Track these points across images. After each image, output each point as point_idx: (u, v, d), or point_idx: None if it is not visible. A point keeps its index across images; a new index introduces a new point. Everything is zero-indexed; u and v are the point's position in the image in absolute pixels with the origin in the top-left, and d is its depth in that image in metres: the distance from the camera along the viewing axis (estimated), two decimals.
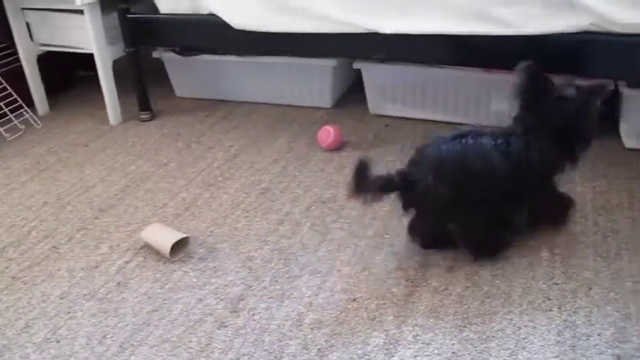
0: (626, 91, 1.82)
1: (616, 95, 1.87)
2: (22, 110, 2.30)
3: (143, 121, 2.29)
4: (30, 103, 2.36)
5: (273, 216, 1.65)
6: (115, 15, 2.14)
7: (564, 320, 1.23)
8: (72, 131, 2.24)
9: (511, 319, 1.25)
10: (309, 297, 1.34)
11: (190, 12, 2.05)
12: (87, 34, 2.12)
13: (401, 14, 1.76)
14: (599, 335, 1.19)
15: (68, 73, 2.68)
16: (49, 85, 2.43)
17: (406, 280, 1.37)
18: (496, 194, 1.37)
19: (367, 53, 1.96)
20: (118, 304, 1.35)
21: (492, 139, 1.38)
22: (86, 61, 2.25)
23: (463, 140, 1.36)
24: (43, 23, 2.24)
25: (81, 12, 2.07)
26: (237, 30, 1.95)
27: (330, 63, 2.16)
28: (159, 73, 2.46)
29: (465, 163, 1.35)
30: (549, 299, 1.30)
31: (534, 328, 1.22)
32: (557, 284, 1.34)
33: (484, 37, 1.69)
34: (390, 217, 1.60)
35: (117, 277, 1.44)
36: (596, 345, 1.17)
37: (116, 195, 1.80)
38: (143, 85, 2.27)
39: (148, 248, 1.54)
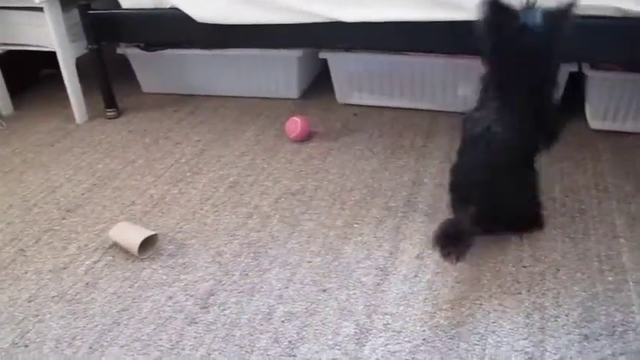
0: (590, 73, 1.84)
1: (581, 77, 1.89)
2: None
3: (109, 118, 2.26)
4: None
5: (242, 209, 1.64)
6: (76, 12, 2.10)
7: (533, 302, 1.25)
8: (37, 131, 2.20)
9: (481, 304, 1.26)
10: (279, 290, 1.34)
11: (153, 6, 2.02)
12: (48, 32, 2.07)
13: (362, 3, 1.75)
14: (566, 316, 1.21)
15: (31, 72, 2.63)
16: (12, 85, 2.38)
17: (376, 269, 1.37)
18: None
19: (331, 43, 1.95)
20: (87, 305, 1.34)
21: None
22: (49, 58, 2.20)
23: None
24: (2, 22, 2.18)
25: (40, 9, 2.03)
26: (201, 23, 1.93)
27: (295, 53, 2.16)
28: (124, 69, 2.43)
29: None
30: (518, 282, 1.31)
31: (504, 311, 1.24)
32: (525, 267, 1.36)
33: (445, 23, 1.70)
34: (358, 206, 1.61)
35: (85, 278, 1.42)
36: (564, 325, 1.19)
37: (83, 194, 1.77)
38: (108, 82, 2.23)
39: (116, 247, 1.52)
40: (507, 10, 1.31)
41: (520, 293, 1.28)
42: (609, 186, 1.63)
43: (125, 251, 1.50)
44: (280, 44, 2.05)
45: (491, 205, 1.38)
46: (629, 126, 1.88)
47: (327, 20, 1.80)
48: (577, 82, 1.91)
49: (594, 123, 1.91)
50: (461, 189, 1.45)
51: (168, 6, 1.99)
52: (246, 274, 1.39)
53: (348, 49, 2.04)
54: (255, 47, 2.13)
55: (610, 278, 1.31)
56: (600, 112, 1.89)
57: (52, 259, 1.50)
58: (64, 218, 1.67)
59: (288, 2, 1.81)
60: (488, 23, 1.33)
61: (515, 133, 1.36)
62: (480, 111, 1.44)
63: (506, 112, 1.37)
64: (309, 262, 1.42)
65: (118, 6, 2.09)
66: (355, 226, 1.54)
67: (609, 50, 1.65)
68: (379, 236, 1.49)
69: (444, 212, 1.54)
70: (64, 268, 1.46)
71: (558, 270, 1.34)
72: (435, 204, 1.59)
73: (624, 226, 1.47)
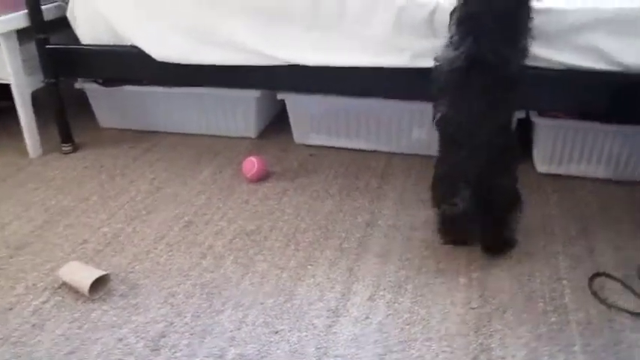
0: (537, 119, 1.92)
1: (528, 124, 1.97)
2: None
3: (65, 153, 2.23)
4: None
5: (196, 249, 1.63)
6: (33, 44, 2.08)
7: (480, 344, 1.28)
8: None
9: (430, 346, 1.28)
10: (231, 332, 1.33)
11: (113, 43, 2.03)
12: (3, 64, 2.05)
13: (321, 48, 1.81)
14: (512, 357, 1.24)
15: None
16: None
17: (327, 311, 1.38)
18: None
19: (289, 85, 1.99)
20: (33, 348, 1.30)
21: None
22: (3, 90, 2.17)
23: None
24: None
25: None
26: (160, 61, 1.95)
27: (254, 94, 2.18)
28: (81, 104, 2.41)
29: None
30: (466, 324, 1.34)
31: (452, 352, 1.26)
32: (473, 308, 1.39)
33: (399, 69, 1.76)
34: (312, 247, 1.62)
35: (32, 319, 1.38)
36: None
37: (34, 232, 1.74)
38: (65, 116, 2.21)
39: (66, 287, 1.49)
40: None
41: (468, 335, 1.31)
42: (555, 228, 1.68)
43: (75, 291, 1.47)
44: (239, 85, 2.07)
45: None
46: (573, 170, 1.96)
47: (286, 63, 1.85)
48: (525, 129, 1.99)
49: (541, 167, 1.98)
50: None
51: (128, 43, 2.00)
52: (199, 316, 1.38)
53: (306, 91, 2.08)
54: (215, 86, 2.15)
55: (553, 319, 1.35)
56: (547, 156, 1.97)
57: None
58: (11, 257, 1.63)
59: (247, 44, 1.86)
60: None
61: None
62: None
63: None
64: (262, 303, 1.42)
65: (78, 41, 2.09)
66: (309, 267, 1.55)
67: (555, 99, 1.73)
68: (332, 278, 1.50)
69: (397, 254, 1.58)
70: (10, 309, 1.42)
71: (505, 311, 1.37)
72: (388, 245, 1.62)
73: (568, 268, 1.52)
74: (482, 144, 1.42)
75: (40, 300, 1.45)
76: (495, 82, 1.40)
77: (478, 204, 1.44)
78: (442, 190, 1.51)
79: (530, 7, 1.43)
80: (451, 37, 1.44)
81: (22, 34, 2.07)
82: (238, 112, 2.25)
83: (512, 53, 1.41)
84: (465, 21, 1.41)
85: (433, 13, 1.68)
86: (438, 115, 1.47)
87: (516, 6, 1.41)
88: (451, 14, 1.46)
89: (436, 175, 1.54)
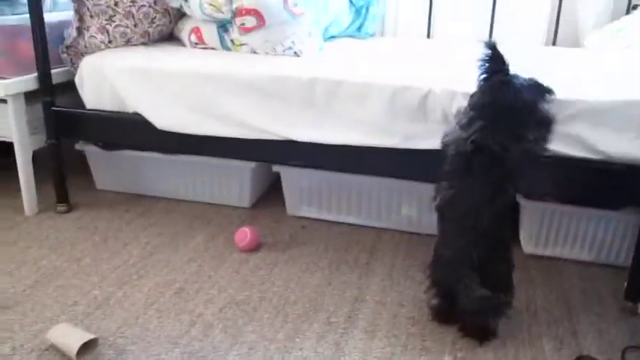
0: (524, 202, 1.98)
1: (515, 206, 2.03)
2: None
3: (60, 212, 2.25)
4: None
5: (185, 317, 1.64)
6: (39, 105, 2.15)
7: None
8: None
9: None
10: None
11: (116, 109, 2.10)
12: (8, 123, 2.11)
13: (314, 125, 1.89)
14: None
15: None
16: None
17: None
18: None
19: (284, 159, 2.05)
20: None
21: None
22: (2, 147, 2.21)
23: None
24: None
25: (3, 101, 2.07)
26: (161, 130, 2.02)
27: (249, 165, 2.23)
28: (80, 164, 2.46)
29: None
30: None
31: None
32: None
33: (389, 148, 1.84)
34: (301, 320, 1.64)
35: None
36: None
37: (24, 291, 1.74)
38: (63, 176, 2.25)
39: (53, 349, 1.49)
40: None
41: None
42: (539, 310, 1.71)
43: (63, 354, 1.47)
44: (235, 156, 2.13)
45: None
46: (558, 252, 2.00)
47: (281, 138, 1.92)
48: (512, 210, 2.04)
49: (527, 248, 2.03)
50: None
51: (131, 111, 2.07)
52: None
53: (299, 166, 2.14)
54: (211, 156, 2.20)
55: None
56: (533, 238, 2.01)
57: None
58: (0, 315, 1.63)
59: (245, 119, 1.93)
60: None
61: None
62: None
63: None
64: None
65: (82, 104, 2.16)
66: (297, 340, 1.56)
67: (541, 184, 1.80)
68: (319, 352, 1.51)
69: (384, 330, 1.60)
70: None
71: None
72: (375, 321, 1.64)
73: (552, 350, 1.54)
74: (486, 229, 1.46)
75: None
76: (497, 170, 1.45)
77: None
78: (446, 273, 1.54)
79: (536, 102, 1.49)
80: (460, 121, 1.51)
81: (28, 95, 2.13)
82: (233, 182, 2.30)
83: (513, 143, 1.45)
84: (475, 108, 1.48)
85: (425, 97, 1.77)
86: (440, 198, 1.53)
87: (519, 101, 1.46)
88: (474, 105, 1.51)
89: (439, 258, 1.56)
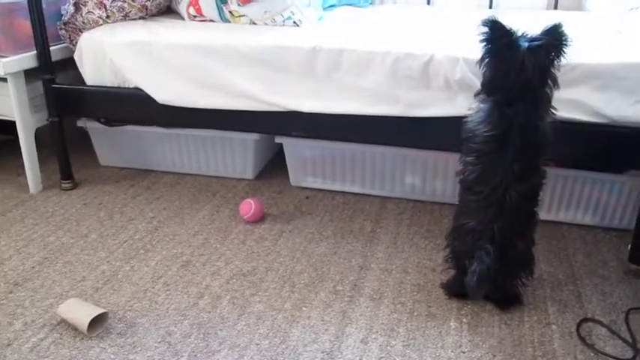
0: None
1: None
2: None
3: (65, 189, 2.27)
4: None
5: (193, 289, 1.66)
6: (40, 83, 2.14)
7: None
8: None
9: None
10: None
11: (117, 85, 2.10)
12: (10, 102, 2.10)
13: (316, 95, 1.88)
14: None
15: None
16: None
17: (322, 353, 1.41)
18: None
19: (287, 130, 2.04)
20: None
21: None
22: (5, 124, 2.23)
23: None
24: None
25: (4, 80, 2.07)
26: (162, 104, 2.02)
27: (252, 137, 2.23)
28: (83, 141, 2.46)
29: None
30: None
31: None
32: (464, 352, 1.42)
33: (392, 117, 1.83)
34: (307, 289, 1.66)
35: (30, 356, 1.40)
36: None
37: (33, 267, 1.76)
38: (66, 153, 2.25)
39: (64, 324, 1.51)
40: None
41: None
42: (543, 274, 1.73)
43: (73, 329, 1.49)
44: (238, 128, 2.13)
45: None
46: (562, 216, 2.02)
47: (283, 109, 1.91)
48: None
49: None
50: None
51: (131, 86, 2.07)
52: (195, 356, 1.40)
53: (302, 136, 2.14)
54: (214, 129, 2.21)
55: None
56: None
57: None
58: (11, 292, 1.65)
59: (247, 91, 1.92)
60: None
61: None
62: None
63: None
64: (258, 344, 1.45)
65: (83, 82, 2.15)
66: (303, 309, 1.58)
67: None
68: (326, 320, 1.53)
69: (389, 297, 1.62)
70: (8, 345, 1.44)
71: (495, 356, 1.40)
72: (381, 288, 1.65)
73: (556, 313, 1.56)
74: (512, 205, 1.46)
75: (39, 337, 1.47)
76: (528, 148, 1.44)
77: (501, 261, 1.48)
78: (466, 245, 1.53)
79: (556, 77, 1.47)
80: (488, 100, 1.47)
81: (29, 73, 2.12)
82: (237, 154, 2.30)
83: (541, 120, 1.45)
84: (502, 88, 1.44)
85: (427, 64, 1.75)
86: (467, 174, 1.51)
87: (545, 77, 1.44)
88: (487, 80, 1.48)
89: (459, 228, 1.55)
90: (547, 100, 1.47)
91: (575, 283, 1.69)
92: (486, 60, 1.45)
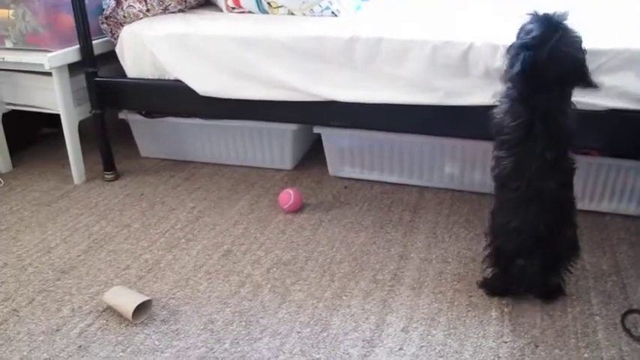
0: None
1: None
2: None
3: (107, 180, 2.31)
4: None
5: (234, 278, 1.69)
6: (82, 77, 2.19)
7: None
8: (35, 190, 2.25)
9: None
10: (269, 359, 1.37)
11: (157, 77, 2.13)
12: (54, 95, 2.16)
13: (355, 85, 1.88)
14: None
15: (31, 130, 2.70)
16: (11, 142, 2.43)
17: (362, 341, 1.42)
18: None
19: (326, 120, 2.05)
20: None
21: None
22: (49, 117, 2.28)
23: None
24: (10, 83, 2.27)
25: (49, 74, 2.12)
26: (202, 96, 2.04)
27: (290, 127, 2.24)
28: (124, 133, 2.51)
29: None
30: (499, 357, 1.36)
31: None
32: (506, 342, 1.41)
33: (429, 106, 1.82)
34: (347, 278, 1.66)
35: (78, 341, 1.45)
36: None
37: (79, 256, 1.81)
38: (108, 145, 2.30)
39: (110, 311, 1.55)
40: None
41: None
42: (586, 264, 1.70)
43: (119, 315, 1.53)
44: (277, 119, 2.14)
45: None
46: (604, 206, 1.98)
47: (322, 99, 1.92)
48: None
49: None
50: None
51: (171, 78, 2.10)
52: (237, 343, 1.43)
53: (340, 126, 2.14)
54: (253, 120, 2.22)
55: (586, 355, 1.36)
56: (578, 193, 1.98)
57: (45, 320, 1.52)
58: (58, 279, 1.70)
59: (285, 82, 1.93)
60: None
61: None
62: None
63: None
64: (299, 332, 1.46)
65: (124, 74, 2.19)
66: (344, 297, 1.59)
67: (586, 138, 1.76)
68: (366, 308, 1.54)
69: (430, 286, 1.61)
70: (57, 330, 1.49)
71: (537, 346, 1.39)
72: (421, 278, 1.65)
73: (600, 304, 1.53)
74: (552, 196, 1.44)
75: (86, 322, 1.51)
76: (556, 135, 1.42)
77: (546, 255, 1.48)
78: (512, 244, 1.50)
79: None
80: (512, 90, 1.45)
81: (72, 67, 2.17)
82: (275, 145, 2.31)
83: (569, 108, 1.43)
84: (531, 78, 1.40)
85: (467, 52, 1.73)
86: (500, 168, 1.48)
87: (575, 65, 1.40)
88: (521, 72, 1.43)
89: (502, 227, 1.52)
90: (570, 94, 1.44)
91: (619, 273, 1.66)
92: (522, 53, 1.40)
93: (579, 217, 1.90)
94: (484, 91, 1.75)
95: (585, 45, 1.40)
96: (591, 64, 1.62)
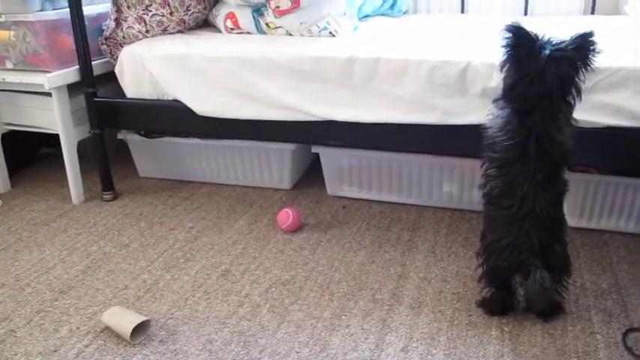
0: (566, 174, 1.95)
1: None
2: None
3: (106, 200, 2.32)
4: None
5: (233, 298, 1.68)
6: (82, 97, 2.20)
7: None
8: (33, 209, 2.25)
9: None
10: None
11: (156, 97, 2.14)
12: (53, 116, 2.17)
13: (353, 105, 1.89)
14: None
15: (30, 150, 2.71)
16: (10, 162, 2.44)
17: None
18: None
19: (324, 139, 2.05)
20: None
21: None
22: (48, 137, 2.29)
23: None
24: (10, 103, 2.29)
25: (49, 94, 2.13)
26: (200, 116, 2.05)
27: (289, 147, 2.25)
28: (123, 153, 2.52)
29: None
30: None
31: None
32: None
33: (428, 126, 1.83)
34: (346, 298, 1.66)
35: None
36: None
37: (77, 276, 1.80)
38: (107, 165, 2.30)
39: (108, 331, 1.54)
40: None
41: None
42: (586, 283, 1.69)
43: (117, 336, 1.52)
44: (276, 138, 2.14)
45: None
46: (604, 224, 1.97)
47: (320, 119, 1.93)
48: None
49: (572, 221, 2.00)
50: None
51: (170, 98, 2.11)
52: None
53: (338, 146, 2.14)
54: (251, 140, 2.23)
55: None
56: (577, 210, 1.99)
57: (42, 341, 1.51)
58: (56, 300, 1.69)
59: (283, 101, 1.94)
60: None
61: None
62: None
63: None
64: (298, 352, 1.45)
65: (123, 95, 2.20)
66: (343, 317, 1.58)
67: (585, 155, 1.77)
68: (366, 328, 1.53)
69: (429, 306, 1.60)
70: (55, 351, 1.47)
71: None
72: (420, 297, 1.64)
73: (601, 322, 1.53)
74: (543, 214, 1.44)
75: (83, 343, 1.50)
76: (549, 157, 1.43)
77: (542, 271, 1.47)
78: (505, 261, 1.49)
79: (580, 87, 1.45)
80: (506, 106, 1.46)
81: (71, 87, 2.18)
82: (274, 164, 2.32)
83: (560, 129, 1.43)
84: (522, 96, 1.42)
85: (464, 71, 1.75)
86: (490, 187, 1.49)
87: (567, 87, 1.42)
88: (508, 87, 1.46)
89: (493, 245, 1.51)
90: (568, 110, 1.45)
91: (620, 292, 1.65)
92: (507, 66, 1.44)
93: (579, 235, 1.91)
94: (482, 110, 1.75)
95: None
96: (587, 83, 1.64)
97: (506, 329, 1.51)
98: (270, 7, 2.14)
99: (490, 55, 1.75)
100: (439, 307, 1.60)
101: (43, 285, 1.76)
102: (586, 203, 1.96)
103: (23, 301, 1.68)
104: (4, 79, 2.15)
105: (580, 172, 1.95)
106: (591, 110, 1.67)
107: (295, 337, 1.51)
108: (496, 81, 1.70)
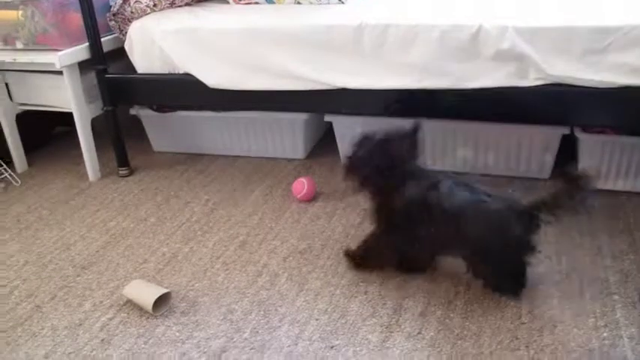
0: (581, 135, 1.94)
1: (573, 140, 1.99)
2: (0, 169, 2.35)
3: (122, 176, 2.34)
4: (8, 161, 2.40)
5: (251, 268, 1.70)
6: (93, 74, 2.20)
7: (531, 358, 1.30)
8: (51, 188, 2.28)
9: None
10: (288, 347, 1.39)
11: (167, 71, 2.14)
12: (66, 94, 2.17)
13: (364, 72, 1.88)
14: None
15: (46, 129, 2.73)
16: (26, 142, 2.46)
17: (381, 326, 1.43)
18: None
19: (336, 107, 2.05)
20: None
21: None
22: (63, 116, 2.30)
23: None
24: (22, 84, 2.30)
25: (60, 73, 2.13)
26: (212, 88, 2.05)
27: (301, 116, 2.25)
28: (136, 129, 2.53)
29: None
30: (517, 338, 1.37)
31: None
32: (524, 323, 1.41)
33: (438, 90, 1.82)
34: None
35: (101, 334, 1.47)
36: None
37: (97, 252, 1.83)
38: (121, 141, 2.32)
39: (130, 304, 1.57)
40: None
41: (519, 349, 1.33)
42: (603, 244, 1.69)
43: (139, 308, 1.55)
44: (287, 108, 2.15)
45: None
46: (620, 185, 1.96)
47: (332, 87, 1.92)
48: (569, 145, 2.01)
49: None
50: None
51: (181, 72, 2.10)
52: (257, 332, 1.44)
53: (351, 114, 2.14)
54: (264, 110, 2.23)
55: (605, 334, 1.36)
56: (594, 172, 1.97)
57: (67, 315, 1.55)
58: (78, 275, 1.72)
59: (295, 71, 1.93)
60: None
61: None
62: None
63: None
64: (317, 319, 1.47)
65: (134, 70, 2.21)
66: (360, 284, 1.59)
67: (597, 116, 1.76)
68: (383, 294, 1.55)
69: (445, 270, 1.61)
70: (80, 325, 1.51)
71: (555, 326, 1.40)
72: (437, 262, 1.65)
73: (618, 282, 1.53)
74: None
75: (107, 316, 1.54)
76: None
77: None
78: None
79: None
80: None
81: (82, 65, 2.18)
82: (287, 134, 2.32)
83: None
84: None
85: (476, 35, 1.72)
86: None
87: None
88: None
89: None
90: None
91: (637, 252, 1.65)
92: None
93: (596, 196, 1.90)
94: (494, 72, 1.75)
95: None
96: (600, 43, 1.62)
97: (523, 291, 1.52)
98: None
99: (502, 17, 1.73)
100: (455, 272, 1.61)
101: (65, 261, 1.79)
102: (603, 164, 1.95)
103: (47, 278, 1.71)
104: (15, 59, 2.15)
105: (597, 133, 1.93)
106: (607, 70, 1.65)
107: (314, 304, 1.53)
108: (508, 43, 1.68)
